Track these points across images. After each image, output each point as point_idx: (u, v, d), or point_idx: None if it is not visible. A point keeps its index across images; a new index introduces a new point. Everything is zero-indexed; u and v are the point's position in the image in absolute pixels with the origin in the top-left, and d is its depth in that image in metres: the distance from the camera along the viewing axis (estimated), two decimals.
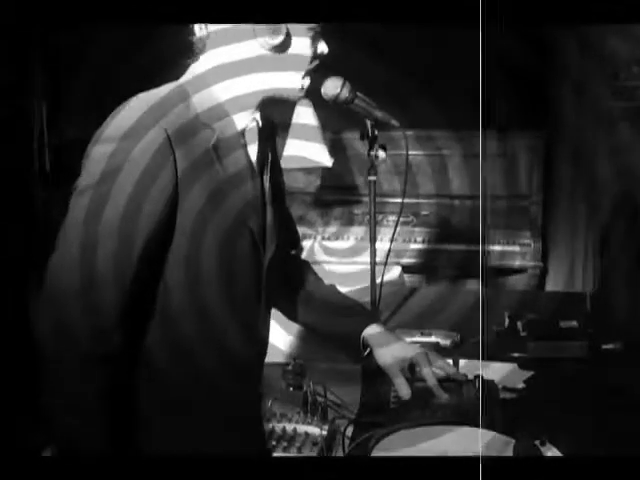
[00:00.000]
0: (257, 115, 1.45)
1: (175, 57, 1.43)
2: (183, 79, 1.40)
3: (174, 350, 1.39)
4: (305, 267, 1.76)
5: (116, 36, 2.83)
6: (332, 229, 4.12)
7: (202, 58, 1.41)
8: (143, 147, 1.26)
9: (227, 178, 1.37)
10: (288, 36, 1.36)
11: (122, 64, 3.21)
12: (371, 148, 2.07)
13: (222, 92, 1.39)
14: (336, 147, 3.89)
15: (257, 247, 1.44)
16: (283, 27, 1.35)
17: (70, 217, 1.28)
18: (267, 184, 1.49)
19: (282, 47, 1.36)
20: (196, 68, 1.41)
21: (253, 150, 1.45)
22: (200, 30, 1.39)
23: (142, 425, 1.39)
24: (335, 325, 1.69)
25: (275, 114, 1.54)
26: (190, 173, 1.31)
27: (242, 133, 1.42)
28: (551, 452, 1.34)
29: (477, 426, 1.45)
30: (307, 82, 1.42)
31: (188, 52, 1.42)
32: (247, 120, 1.43)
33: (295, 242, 1.77)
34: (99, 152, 1.28)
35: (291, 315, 1.73)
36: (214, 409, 1.45)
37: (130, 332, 1.34)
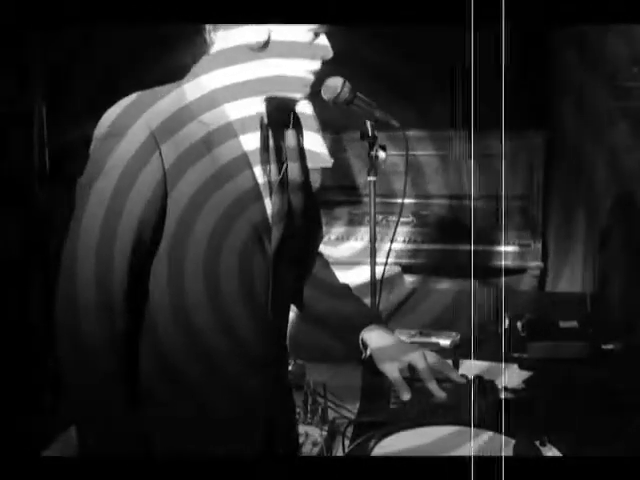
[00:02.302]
0: (263, 112, 1.45)
1: (177, 58, 1.44)
2: (184, 80, 1.42)
3: (188, 350, 1.41)
4: (322, 265, 1.76)
5: (117, 36, 2.83)
6: (332, 229, 4.12)
7: (204, 59, 1.42)
8: (129, 146, 1.30)
9: (223, 172, 1.38)
10: (269, 35, 1.37)
11: (123, 64, 3.21)
12: (371, 148, 2.07)
13: (221, 92, 1.41)
14: (336, 147, 3.88)
15: (262, 240, 1.45)
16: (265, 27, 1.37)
17: (76, 210, 1.34)
18: (271, 176, 1.49)
19: (264, 45, 1.38)
20: (197, 69, 1.42)
21: (251, 145, 1.46)
22: (204, 32, 1.40)
23: (150, 425, 1.40)
24: (336, 321, 1.69)
25: (280, 113, 1.54)
26: (182, 170, 1.34)
27: (239, 129, 1.43)
28: (551, 452, 1.34)
29: (477, 426, 1.45)
30: (312, 79, 1.43)
31: (190, 53, 1.43)
32: (248, 118, 1.44)
33: (316, 235, 1.77)
34: (96, 149, 1.34)
35: (300, 307, 1.73)
36: (227, 405, 1.46)
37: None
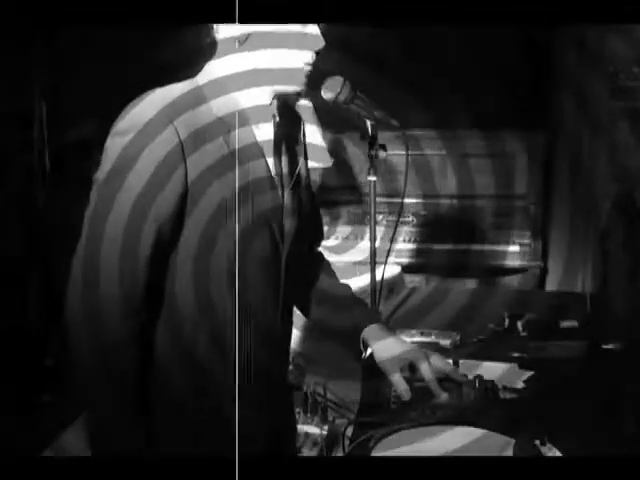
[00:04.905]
0: (275, 112, 1.46)
1: (188, 57, 1.44)
2: (198, 78, 1.42)
3: (183, 346, 1.41)
4: (324, 265, 1.77)
5: (119, 36, 2.83)
6: (332, 229, 4.12)
7: (216, 58, 1.42)
8: (155, 144, 1.29)
9: (244, 175, 1.39)
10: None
11: (125, 64, 3.21)
12: (371, 148, 2.07)
13: (237, 91, 1.41)
14: (336, 147, 3.88)
15: (277, 244, 1.45)
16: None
17: (91, 207, 1.32)
18: (287, 181, 1.50)
19: (245, 39, 1.38)
20: (211, 67, 1.42)
21: (269, 147, 1.47)
22: (214, 31, 1.40)
23: (149, 425, 1.40)
24: (337, 322, 1.69)
25: (287, 110, 1.55)
26: (205, 170, 1.34)
27: (257, 128, 1.44)
28: (551, 452, 1.34)
29: (477, 426, 1.45)
30: (307, 70, 1.43)
31: (202, 52, 1.43)
32: (264, 117, 1.44)
33: (319, 239, 1.78)
34: (114, 144, 1.32)
35: (305, 312, 1.74)
36: (224, 409, 1.45)
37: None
